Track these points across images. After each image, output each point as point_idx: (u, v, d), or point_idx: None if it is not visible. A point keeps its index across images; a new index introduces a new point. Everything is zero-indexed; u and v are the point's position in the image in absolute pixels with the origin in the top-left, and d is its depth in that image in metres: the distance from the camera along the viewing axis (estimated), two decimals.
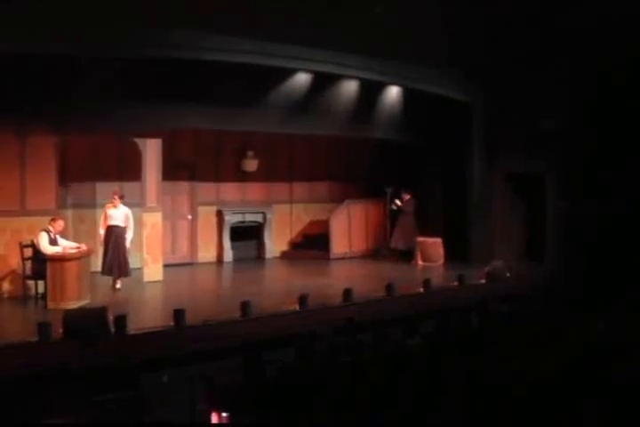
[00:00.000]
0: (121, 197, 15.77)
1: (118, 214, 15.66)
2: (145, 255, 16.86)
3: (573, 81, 17.67)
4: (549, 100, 18.23)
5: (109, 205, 15.79)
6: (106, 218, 15.79)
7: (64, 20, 12.75)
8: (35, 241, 14.31)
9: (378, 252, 21.50)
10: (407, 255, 20.62)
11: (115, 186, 17.44)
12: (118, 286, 15.58)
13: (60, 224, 14.54)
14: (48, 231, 14.21)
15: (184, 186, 19.90)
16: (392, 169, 21.62)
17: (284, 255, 21.76)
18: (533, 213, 19.38)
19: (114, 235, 15.61)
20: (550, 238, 18.62)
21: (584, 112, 17.72)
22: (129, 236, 15.81)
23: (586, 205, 17.69)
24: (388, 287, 14.84)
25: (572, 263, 17.26)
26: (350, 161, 22.67)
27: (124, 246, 15.74)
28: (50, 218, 14.50)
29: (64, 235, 14.93)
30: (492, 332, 9.66)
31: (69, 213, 17.35)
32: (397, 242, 21.01)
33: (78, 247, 14.58)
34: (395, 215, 21.32)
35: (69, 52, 13.30)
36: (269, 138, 21.02)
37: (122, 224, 15.67)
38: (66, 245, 14.47)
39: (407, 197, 21.02)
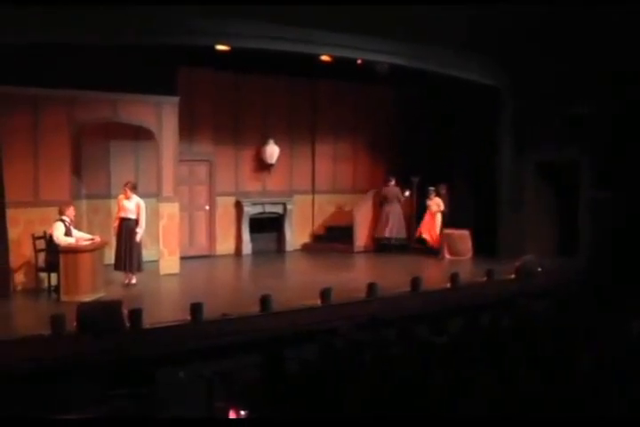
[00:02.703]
0: (133, 188, 15.74)
1: (130, 206, 15.64)
2: (161, 247, 16.97)
3: (608, 63, 17.56)
4: (582, 84, 18.11)
5: (121, 196, 15.81)
6: (119, 210, 15.89)
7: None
8: (49, 232, 14.43)
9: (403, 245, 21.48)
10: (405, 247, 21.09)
11: (130, 176, 17.52)
12: (133, 281, 15.62)
13: (71, 212, 14.63)
14: (63, 221, 14.32)
15: (202, 175, 20.00)
16: (419, 159, 21.58)
17: (305, 248, 21.80)
18: (566, 203, 19.28)
19: (125, 228, 15.63)
20: (584, 231, 18.53)
21: (619, 96, 17.61)
22: (139, 229, 15.68)
23: (621, 195, 17.61)
24: (414, 282, 14.85)
25: (607, 258, 17.19)
26: (376, 150, 22.68)
27: (136, 240, 15.69)
28: (58, 208, 14.61)
29: (76, 226, 15.03)
30: (521, 331, 9.67)
31: (83, 203, 17.43)
32: (392, 231, 21.09)
33: (92, 239, 14.68)
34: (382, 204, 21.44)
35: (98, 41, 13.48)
36: (291, 125, 21.11)
37: (133, 216, 15.62)
38: (79, 237, 14.58)
39: (392, 182, 21.16)
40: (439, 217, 20.57)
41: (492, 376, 7.21)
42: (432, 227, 20.65)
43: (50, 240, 14.39)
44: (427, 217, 20.73)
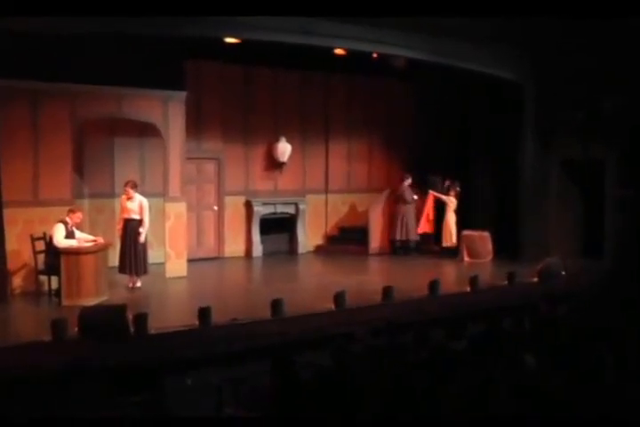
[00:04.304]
0: (134, 187, 15.70)
1: (133, 206, 15.62)
2: (168, 249, 16.94)
3: (635, 57, 17.45)
4: (608, 78, 18.00)
5: (124, 197, 15.81)
6: (122, 211, 15.87)
7: None
8: (49, 233, 14.39)
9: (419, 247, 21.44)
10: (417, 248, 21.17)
11: (135, 174, 17.50)
12: (138, 284, 15.62)
13: (78, 216, 14.62)
14: (65, 223, 14.29)
15: (210, 174, 19.96)
16: (437, 157, 21.53)
17: (318, 250, 21.77)
18: (592, 203, 19.18)
19: (129, 229, 15.62)
20: (611, 232, 18.44)
21: None
22: (142, 229, 15.63)
23: None
24: (432, 285, 14.79)
25: (634, 259, 17.10)
26: (392, 148, 22.63)
27: (140, 242, 15.66)
28: (68, 209, 14.61)
29: (79, 227, 15.00)
30: (544, 335, 9.62)
31: (86, 203, 17.42)
32: (407, 233, 21.01)
33: (94, 240, 14.65)
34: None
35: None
36: (303, 122, 21.08)
37: (137, 217, 15.60)
38: (81, 238, 14.56)
39: (408, 181, 21.09)
40: (453, 216, 20.52)
41: (511, 382, 7.18)
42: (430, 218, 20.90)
43: (50, 242, 14.36)
44: (428, 211, 20.88)
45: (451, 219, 20.46)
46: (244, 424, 6.90)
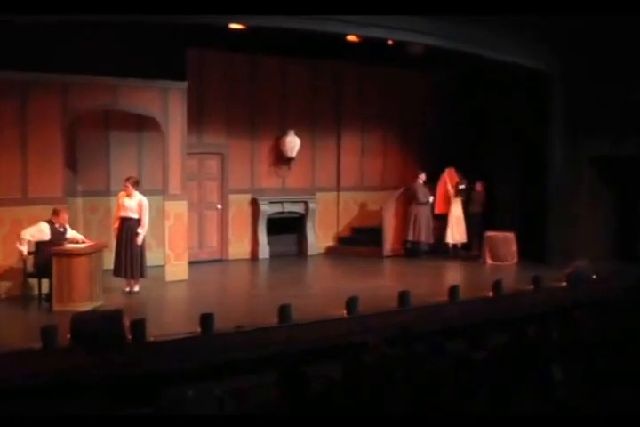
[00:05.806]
0: (135, 184, 15.63)
1: (132, 204, 15.54)
2: (167, 251, 16.90)
3: None
4: None
5: (122, 193, 15.73)
6: (119, 209, 15.81)
7: None
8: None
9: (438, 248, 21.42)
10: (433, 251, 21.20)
11: (132, 171, 17.46)
12: (135, 288, 15.56)
13: (63, 218, 14.55)
14: (51, 223, 14.27)
15: (213, 170, 19.92)
16: (456, 152, 21.48)
17: (329, 251, 21.78)
18: (625, 203, 19.13)
19: (126, 229, 15.54)
20: None
21: None
22: (141, 230, 15.54)
23: None
24: (451, 290, 14.76)
25: None
26: (408, 142, 22.60)
27: (138, 243, 15.57)
28: (53, 209, 14.53)
29: (72, 227, 14.98)
30: (574, 345, 9.57)
31: (79, 201, 17.45)
32: (420, 234, 20.95)
33: (84, 241, 14.61)
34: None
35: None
36: (314, 114, 21.05)
37: (135, 216, 15.52)
38: (72, 237, 14.55)
39: (422, 178, 21.05)
40: (457, 210, 20.63)
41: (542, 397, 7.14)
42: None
43: (39, 243, 14.30)
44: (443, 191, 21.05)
45: (454, 213, 20.59)
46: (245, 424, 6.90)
